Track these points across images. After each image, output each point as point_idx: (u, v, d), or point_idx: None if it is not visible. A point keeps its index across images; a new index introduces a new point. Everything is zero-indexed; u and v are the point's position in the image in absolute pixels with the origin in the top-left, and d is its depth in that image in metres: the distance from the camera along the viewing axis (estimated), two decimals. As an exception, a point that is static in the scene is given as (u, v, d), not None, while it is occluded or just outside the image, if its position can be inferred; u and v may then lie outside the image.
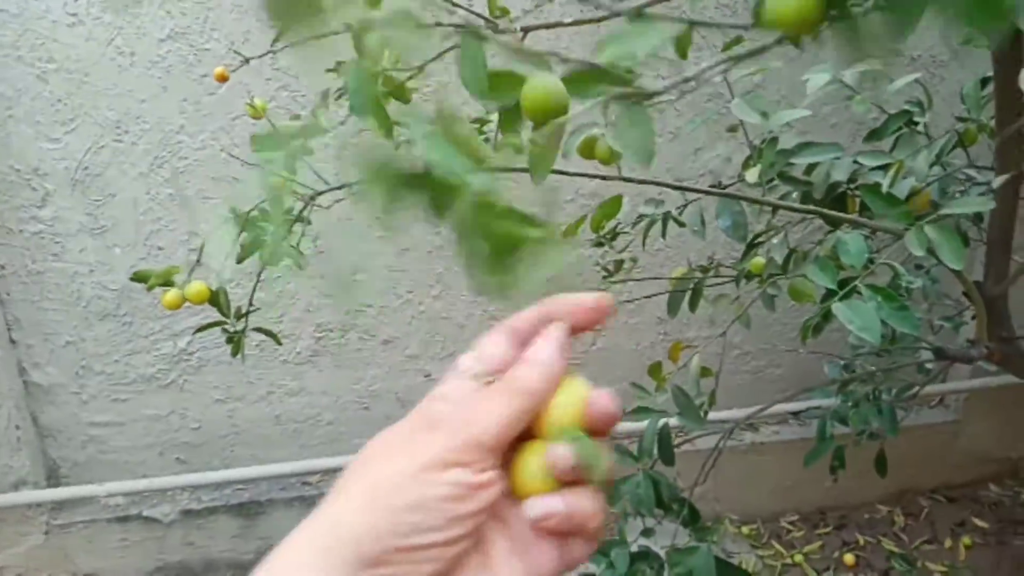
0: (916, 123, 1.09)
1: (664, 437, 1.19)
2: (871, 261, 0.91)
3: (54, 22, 1.53)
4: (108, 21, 1.56)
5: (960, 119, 1.11)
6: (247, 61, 0.92)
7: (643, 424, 1.14)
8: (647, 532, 1.31)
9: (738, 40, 1.08)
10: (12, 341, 1.75)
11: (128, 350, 1.81)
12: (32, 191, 1.64)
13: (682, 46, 1.04)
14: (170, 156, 1.67)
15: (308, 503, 1.95)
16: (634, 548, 1.25)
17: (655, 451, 1.19)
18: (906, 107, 1.07)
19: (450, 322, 1.93)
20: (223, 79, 0.79)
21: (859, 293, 0.88)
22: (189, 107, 1.64)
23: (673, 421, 1.11)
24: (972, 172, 1.11)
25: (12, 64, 1.54)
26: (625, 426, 1.96)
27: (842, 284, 0.90)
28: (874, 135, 1.13)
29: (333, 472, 1.99)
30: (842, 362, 1.39)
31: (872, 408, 1.41)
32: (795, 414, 1.97)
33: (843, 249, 0.92)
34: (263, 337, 1.90)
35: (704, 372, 1.03)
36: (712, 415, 1.90)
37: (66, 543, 1.87)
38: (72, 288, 1.73)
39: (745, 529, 2.16)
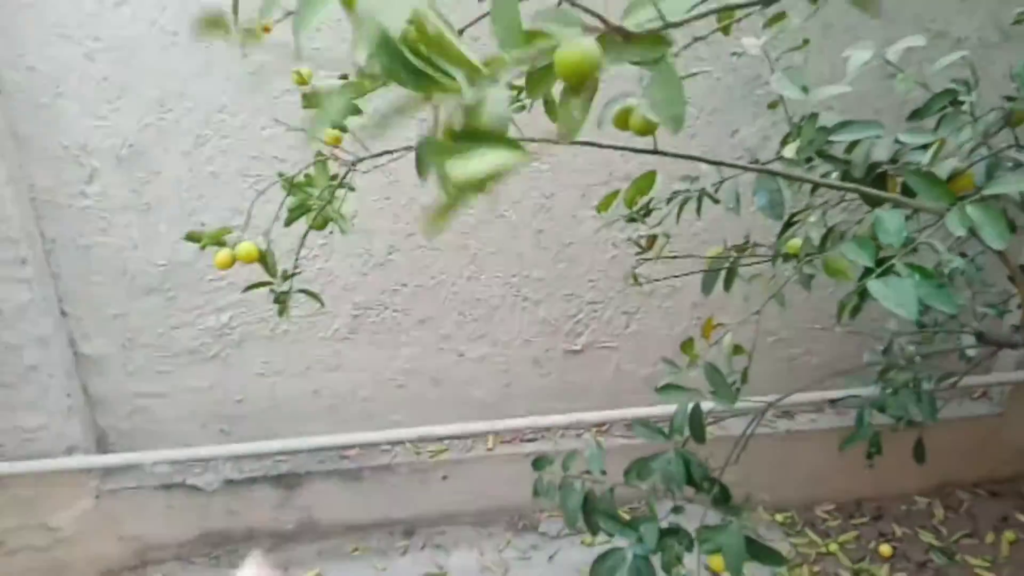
0: (961, 103, 1.06)
1: (696, 415, 1.18)
2: (910, 240, 0.89)
3: (100, 1, 1.57)
4: (153, 0, 1.59)
5: (1008, 99, 1.08)
6: (288, 15, 0.93)
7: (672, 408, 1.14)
8: (677, 509, 1.31)
9: (781, 16, 1.06)
10: (63, 313, 1.82)
11: (172, 324, 1.87)
12: (80, 167, 1.69)
13: (726, 23, 1.03)
14: (213, 135, 1.71)
15: (345, 476, 1.99)
16: (664, 525, 1.26)
17: (686, 429, 1.18)
18: (951, 86, 1.04)
19: (483, 303, 1.95)
20: (267, 31, 0.81)
21: (897, 272, 0.86)
22: (231, 86, 1.67)
23: (707, 405, 1.11)
24: (1019, 155, 1.07)
25: (60, 43, 1.59)
26: (653, 410, 1.96)
27: (880, 263, 0.88)
28: (917, 114, 1.10)
29: (370, 446, 2.03)
30: (880, 348, 1.36)
31: (911, 395, 1.38)
32: (832, 402, 1.93)
33: (881, 227, 0.90)
34: (303, 312, 1.94)
35: (736, 350, 1.02)
36: (746, 401, 1.89)
37: (115, 508, 1.94)
38: (118, 263, 1.79)
39: (779, 516, 2.14)
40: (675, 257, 1.14)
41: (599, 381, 2.08)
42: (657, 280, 1.60)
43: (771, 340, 2.07)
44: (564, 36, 0.56)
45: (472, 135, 0.48)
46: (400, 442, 2.01)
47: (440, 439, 2.03)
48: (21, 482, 1.85)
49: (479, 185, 0.45)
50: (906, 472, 1.77)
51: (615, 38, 0.57)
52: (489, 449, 2.05)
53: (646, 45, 0.57)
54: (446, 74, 0.51)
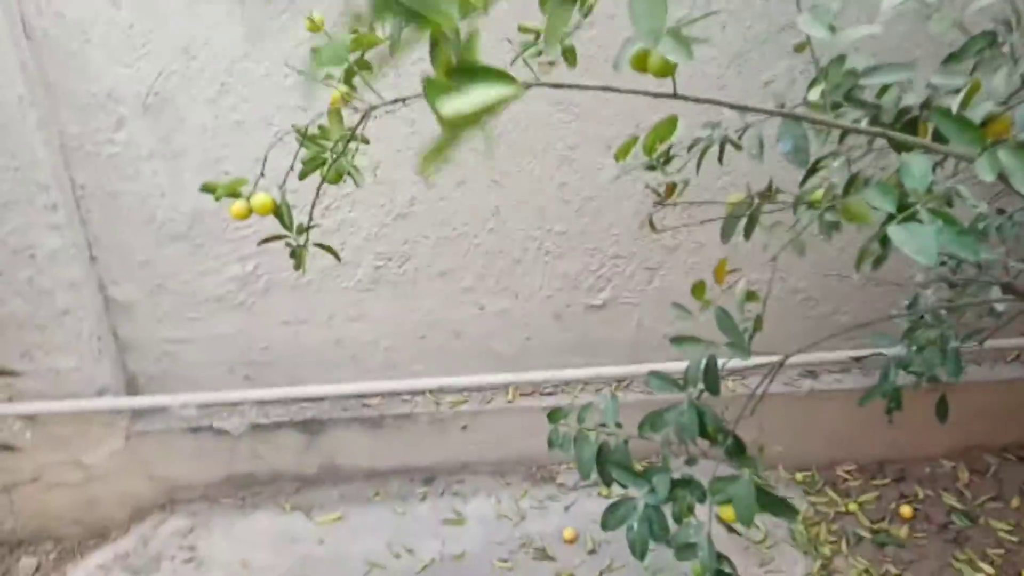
0: (1001, 44, 1.01)
1: (710, 367, 1.17)
2: (935, 185, 0.86)
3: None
4: (178, -55, 1.58)
5: (1054, 40, 1.03)
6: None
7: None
8: (691, 460, 1.31)
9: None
10: (93, 259, 1.86)
11: (199, 271, 1.90)
12: (108, 115, 1.71)
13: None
14: (236, 83, 1.71)
15: (367, 423, 2.03)
16: (677, 476, 1.26)
17: (701, 382, 1.17)
18: (991, 27, 1.00)
19: (505, 256, 1.94)
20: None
21: (919, 219, 0.83)
22: (253, 33, 1.66)
23: (734, 362, 1.10)
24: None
25: (87, -13, 1.60)
26: (674, 366, 1.94)
27: (905, 210, 0.85)
28: (954, 58, 1.05)
29: (391, 395, 2.06)
30: (906, 302, 1.33)
31: (937, 352, 1.35)
32: (857, 359, 1.90)
33: (906, 172, 0.87)
34: (326, 263, 1.96)
35: (750, 296, 1.00)
36: (767, 356, 1.86)
37: (144, 449, 2.01)
38: (146, 210, 1.82)
39: (799, 475, 2.13)
40: (695, 204, 1.12)
41: (620, 337, 2.08)
42: (675, 227, 1.58)
43: (799, 298, 2.04)
44: None
45: (466, 71, 0.47)
46: (421, 392, 2.04)
47: (460, 390, 2.05)
48: (57, 420, 1.92)
49: (471, 120, 0.44)
50: (932, 434, 1.74)
51: None
52: (509, 401, 2.06)
53: None
54: (438, 9, 0.50)
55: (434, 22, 0.47)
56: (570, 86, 1.02)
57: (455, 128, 0.44)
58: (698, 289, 0.98)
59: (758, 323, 1.00)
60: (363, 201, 1.85)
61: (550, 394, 2.11)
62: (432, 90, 0.48)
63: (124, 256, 1.87)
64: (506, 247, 1.94)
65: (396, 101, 1.43)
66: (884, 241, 0.88)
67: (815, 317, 2.07)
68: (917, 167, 0.87)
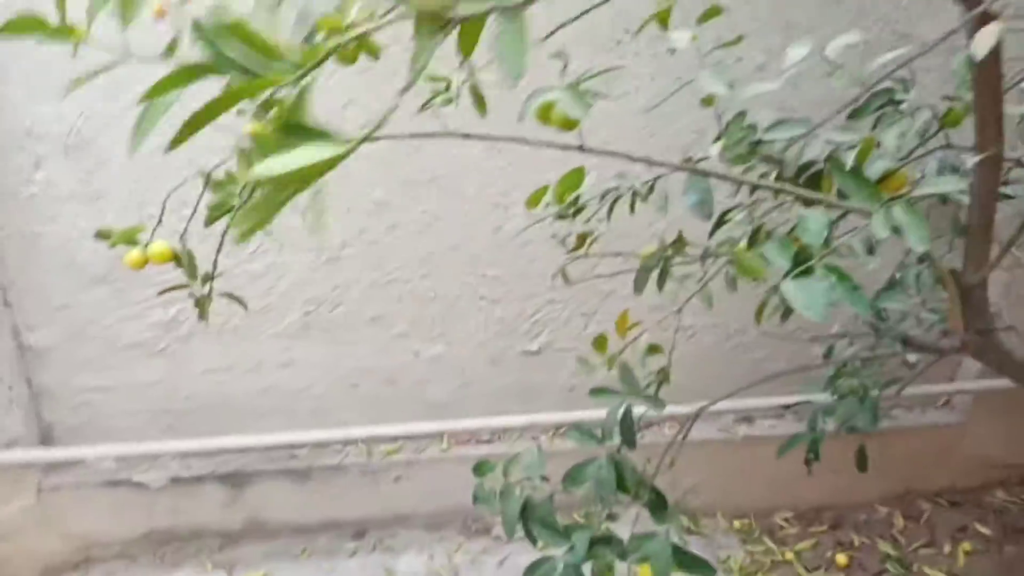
0: (899, 102, 1.04)
1: (626, 420, 1.16)
2: (829, 242, 0.87)
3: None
4: (101, -13, 1.56)
5: (948, 98, 1.06)
6: None
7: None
8: (611, 516, 1.28)
9: (716, 11, 1.03)
10: (7, 303, 1.78)
11: (120, 316, 1.83)
12: (26, 154, 1.66)
13: (663, 16, 1.01)
14: (162, 123, 1.67)
15: (294, 475, 1.96)
16: (601, 532, 1.23)
17: (616, 434, 1.16)
18: (888, 85, 1.02)
19: (439, 301, 1.92)
20: (161, 15, 0.77)
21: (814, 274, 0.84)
22: (180, 75, 1.63)
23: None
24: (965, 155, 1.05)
25: (5, 27, 1.56)
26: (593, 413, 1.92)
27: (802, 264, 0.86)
28: (856, 114, 1.08)
29: (321, 445, 1.99)
30: (821, 353, 1.34)
31: (857, 401, 1.36)
32: (786, 407, 1.91)
33: (803, 227, 0.87)
34: (254, 309, 1.91)
35: (652, 349, 0.99)
36: (693, 405, 1.85)
37: (57, 504, 1.90)
38: (66, 252, 1.75)
39: (737, 523, 2.11)
40: (609, 255, 1.12)
41: (557, 383, 2.06)
42: (588, 279, 1.58)
43: (731, 344, 2.05)
44: None
45: (293, 130, 0.45)
46: (352, 441, 1.98)
47: (393, 439, 2.00)
48: (-40, 475, 1.81)
49: (288, 182, 0.42)
50: (867, 480, 1.74)
51: None
52: (443, 450, 2.01)
53: None
54: (270, 66, 0.48)
55: (266, 80, 0.46)
56: (480, 137, 1.02)
57: (271, 190, 0.42)
58: (599, 343, 0.96)
59: (664, 376, 0.99)
60: (291, 245, 1.81)
61: (487, 442, 2.07)
62: (258, 149, 0.46)
63: (41, 300, 1.80)
64: (440, 292, 1.92)
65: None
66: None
67: (750, 362, 2.08)
68: (814, 222, 0.88)
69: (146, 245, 1.11)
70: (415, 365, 1.98)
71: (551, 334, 2.00)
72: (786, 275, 0.84)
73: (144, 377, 1.90)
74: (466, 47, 0.52)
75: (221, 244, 1.16)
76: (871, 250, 1.12)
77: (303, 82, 0.45)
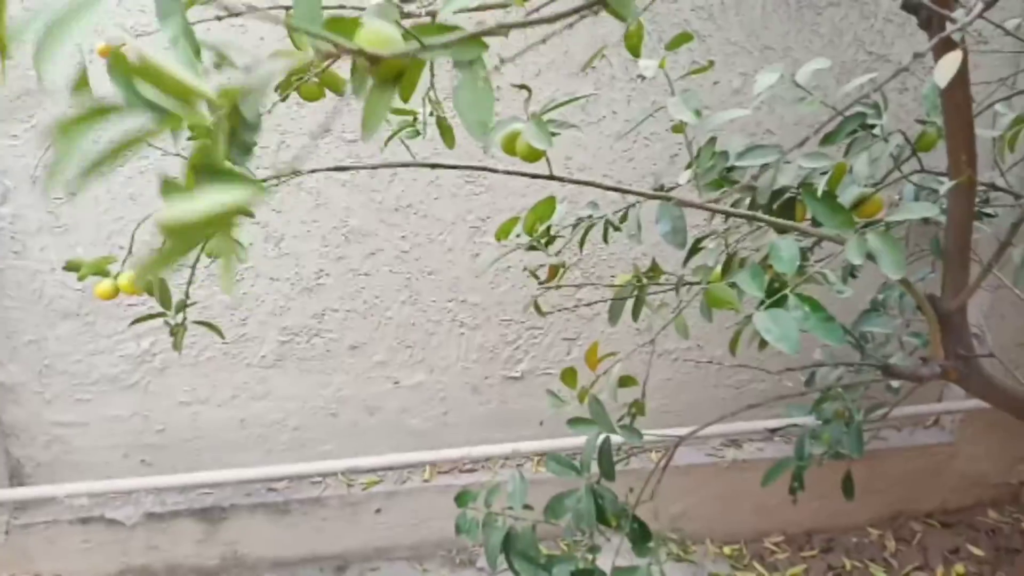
0: (871, 126, 1.02)
1: (604, 450, 1.13)
2: (803, 269, 0.84)
3: (11, 16, 1.51)
4: (68, 17, 1.54)
5: (921, 122, 1.04)
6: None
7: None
8: (593, 549, 1.25)
9: (686, 37, 1.02)
10: (-26, 339, 1.74)
11: (91, 350, 1.79)
12: (-9, 188, 1.63)
13: (633, 43, 0.99)
14: (130, 155, 1.64)
15: (273, 509, 1.91)
16: (586, 563, 1.20)
17: (594, 465, 1.13)
18: (860, 109, 1.01)
19: (418, 328, 1.88)
20: (105, 55, 0.74)
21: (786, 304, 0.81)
22: (150, 105, 1.61)
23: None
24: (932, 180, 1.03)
25: (-30, 59, 1.53)
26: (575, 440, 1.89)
27: (775, 293, 0.83)
28: (829, 139, 1.06)
29: (299, 478, 1.95)
30: (803, 378, 1.31)
31: (841, 427, 1.33)
32: (773, 431, 1.88)
33: (776, 255, 0.85)
34: (229, 339, 1.87)
35: (625, 381, 0.96)
36: (681, 430, 1.82)
37: (27, 543, 1.85)
38: (34, 286, 1.72)
39: (727, 549, 2.08)
40: (580, 286, 1.09)
41: (540, 409, 2.02)
42: (563, 309, 1.55)
43: (714, 368, 2.03)
44: (368, 23, 0.51)
45: (209, 171, 0.42)
46: (331, 473, 1.94)
47: (373, 470, 1.95)
48: (-74, 517, 1.76)
49: (196, 229, 0.39)
50: (857, 502, 1.71)
51: (429, 29, 0.52)
52: (425, 480, 1.97)
53: (463, 44, 0.53)
54: (187, 103, 0.46)
55: (176, 117, 0.43)
56: (448, 167, 0.99)
57: (177, 236, 0.39)
58: (568, 377, 0.94)
59: (639, 408, 0.97)
60: (267, 274, 1.78)
61: (470, 471, 2.03)
62: (168, 191, 0.43)
63: (9, 335, 1.76)
64: (419, 319, 1.89)
65: (292, 175, 1.38)
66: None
67: (732, 386, 2.06)
68: (786, 250, 0.86)
69: (116, 276, 1.08)
70: (395, 394, 1.95)
71: (533, 360, 1.97)
72: (759, 305, 0.82)
73: (116, 411, 1.85)
74: (405, 93, 0.49)
75: (192, 275, 1.14)
76: (848, 277, 1.10)
77: (212, 123, 0.42)
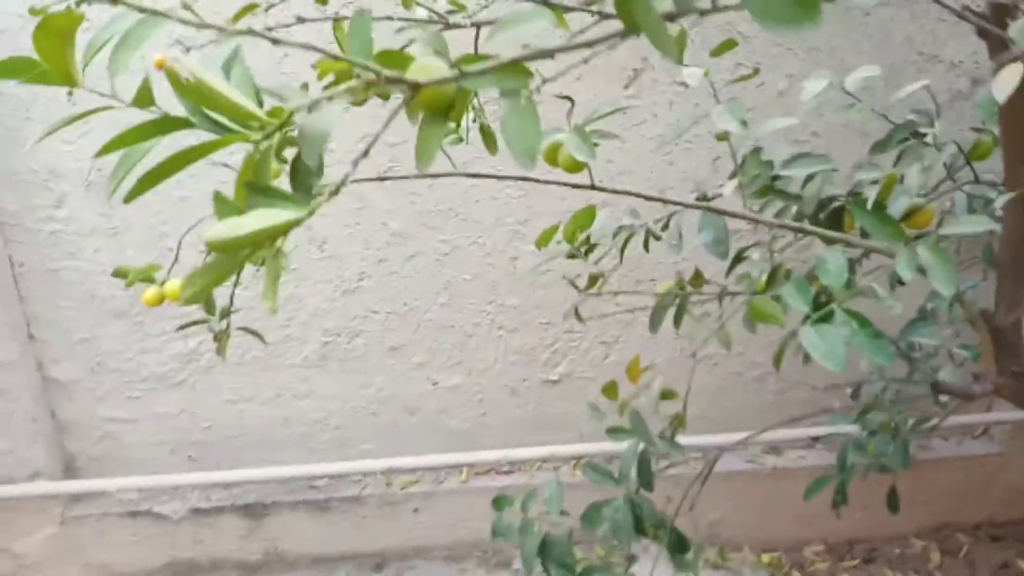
0: (923, 135, 1.00)
1: (643, 462, 1.12)
2: (851, 282, 0.83)
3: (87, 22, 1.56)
4: (122, 26, 1.58)
5: (976, 130, 1.02)
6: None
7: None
8: (631, 559, 1.25)
9: (730, 44, 1.01)
10: (31, 336, 1.80)
11: (140, 348, 1.84)
12: (48, 191, 1.68)
13: (679, 45, 0.98)
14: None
15: (313, 506, 1.95)
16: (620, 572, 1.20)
17: (633, 474, 1.13)
18: (911, 117, 0.99)
19: (457, 331, 1.90)
20: (162, 67, 0.77)
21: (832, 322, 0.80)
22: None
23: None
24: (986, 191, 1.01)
25: (29, 68, 1.58)
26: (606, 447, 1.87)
27: (822, 307, 0.82)
28: (879, 147, 1.04)
29: (340, 477, 1.98)
30: (849, 391, 1.29)
31: (887, 439, 1.31)
32: (815, 439, 1.86)
33: (822, 268, 0.84)
34: (272, 340, 1.91)
35: (666, 395, 0.96)
36: (721, 437, 1.80)
37: (79, 535, 1.91)
38: (87, 287, 1.77)
39: (766, 557, 2.05)
40: (618, 293, 1.09)
41: (577, 413, 2.02)
42: (604, 316, 1.55)
43: (757, 373, 2.00)
44: (418, 56, 0.52)
45: (254, 191, 0.43)
46: (371, 473, 1.96)
47: (412, 470, 1.97)
48: (-15, 507, 1.83)
49: (240, 246, 0.41)
50: (903, 513, 1.68)
51: (472, 59, 0.53)
52: (463, 481, 1.99)
53: (506, 72, 0.53)
54: (246, 123, 0.47)
55: (240, 136, 0.45)
56: (487, 176, 1.00)
57: (224, 253, 0.41)
58: (610, 389, 0.93)
59: (680, 422, 0.96)
60: (310, 277, 1.81)
61: (507, 472, 2.04)
62: (219, 210, 0.45)
63: (64, 334, 1.82)
64: (458, 322, 1.90)
65: (336, 192, 1.39)
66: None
67: (773, 392, 2.03)
68: (833, 263, 0.84)
69: (163, 283, 1.11)
70: (434, 395, 1.96)
71: (570, 363, 1.97)
72: (805, 320, 0.81)
73: (165, 409, 1.90)
74: (456, 119, 0.50)
75: (237, 279, 1.16)
76: (895, 285, 1.08)
77: (264, 143, 0.44)
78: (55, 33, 0.48)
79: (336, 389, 1.93)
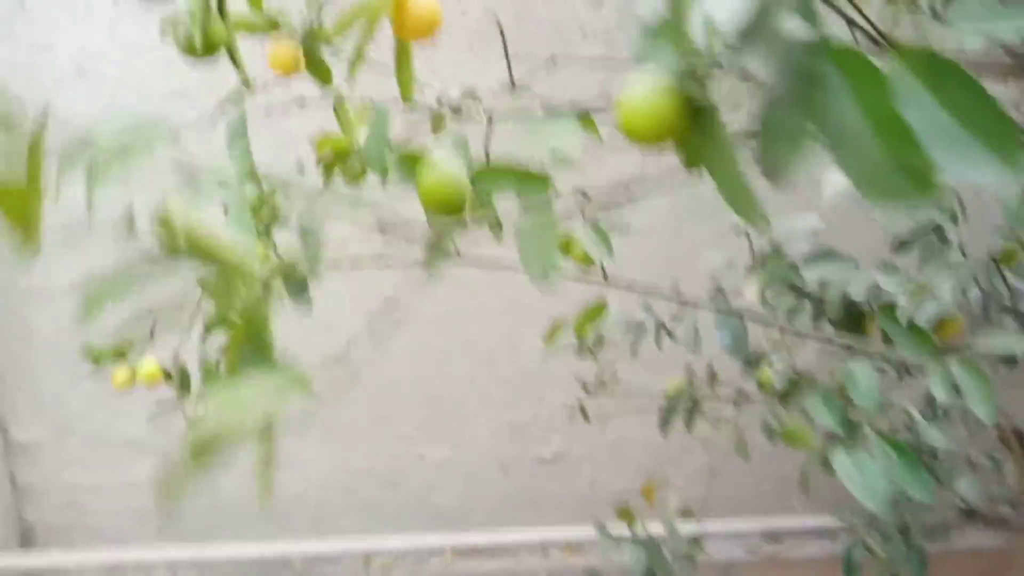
0: (947, 233, 0.95)
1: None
2: (884, 403, 0.77)
3: (57, 80, 1.51)
4: (113, 75, 1.54)
5: (1005, 237, 0.97)
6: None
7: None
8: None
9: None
10: (-4, 397, 1.71)
11: (112, 411, 1.75)
12: (25, 247, 1.61)
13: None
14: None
15: (287, 587, 1.83)
16: None
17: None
18: (934, 218, 0.94)
19: (447, 402, 1.82)
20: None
21: (866, 445, 0.73)
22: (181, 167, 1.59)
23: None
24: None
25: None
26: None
27: (850, 426, 0.76)
28: (903, 247, 0.99)
29: (315, 558, 1.86)
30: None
31: (901, 547, 1.23)
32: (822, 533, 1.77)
33: (851, 383, 0.78)
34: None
35: (685, 513, 0.88)
36: (730, 525, 1.71)
37: (33, 612, 1.78)
38: (59, 346, 1.69)
39: (765, 652, 1.94)
40: (631, 399, 1.02)
41: (571, 493, 1.93)
42: (610, 415, 1.48)
43: (760, 455, 1.92)
44: (435, 157, 0.47)
45: (250, 355, 0.37)
46: (350, 553, 1.85)
47: (391, 554, 1.86)
48: (-69, 580, 1.71)
49: (229, 440, 0.34)
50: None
51: (492, 168, 0.48)
52: (447, 564, 1.88)
53: (530, 180, 0.48)
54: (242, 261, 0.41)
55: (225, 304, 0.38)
56: (494, 268, 0.94)
57: (206, 451, 0.34)
58: (625, 513, 0.86)
59: (696, 548, 0.88)
60: (297, 343, 1.73)
61: (493, 556, 1.93)
62: (207, 380, 0.38)
63: (32, 395, 1.72)
64: (449, 392, 1.82)
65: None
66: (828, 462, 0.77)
67: (776, 477, 1.95)
68: (864, 380, 0.78)
69: (135, 366, 1.03)
70: (420, 469, 1.87)
71: (565, 440, 1.88)
72: (833, 439, 0.74)
73: (135, 476, 1.80)
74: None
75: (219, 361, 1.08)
76: (932, 413, 1.01)
77: (260, 307, 0.37)
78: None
79: (317, 461, 1.84)
